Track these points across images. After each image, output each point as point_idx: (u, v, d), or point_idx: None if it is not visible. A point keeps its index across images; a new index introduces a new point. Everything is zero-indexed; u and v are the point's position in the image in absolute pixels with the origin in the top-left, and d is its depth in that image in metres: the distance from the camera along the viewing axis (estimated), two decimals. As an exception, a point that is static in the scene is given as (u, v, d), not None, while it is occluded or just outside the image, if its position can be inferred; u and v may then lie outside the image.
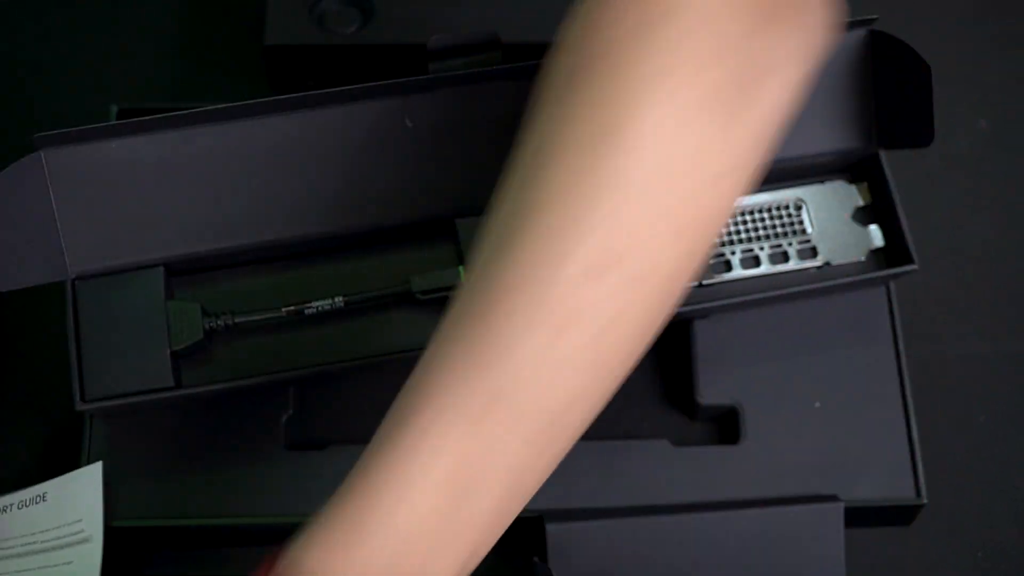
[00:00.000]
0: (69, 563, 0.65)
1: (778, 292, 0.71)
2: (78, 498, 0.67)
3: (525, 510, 0.68)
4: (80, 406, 0.66)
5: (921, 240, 0.76)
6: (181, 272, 0.69)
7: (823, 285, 0.71)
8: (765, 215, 0.73)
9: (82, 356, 0.67)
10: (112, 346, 0.67)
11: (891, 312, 0.74)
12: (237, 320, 0.68)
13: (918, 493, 0.70)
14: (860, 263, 0.72)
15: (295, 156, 0.68)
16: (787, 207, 0.73)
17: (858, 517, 0.70)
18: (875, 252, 0.73)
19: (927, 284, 0.77)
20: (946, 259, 0.75)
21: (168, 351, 0.66)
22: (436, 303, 0.67)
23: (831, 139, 0.74)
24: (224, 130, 0.67)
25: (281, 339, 0.69)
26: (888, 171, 0.73)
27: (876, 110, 0.73)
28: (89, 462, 0.69)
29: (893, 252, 0.72)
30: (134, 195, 0.68)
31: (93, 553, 0.65)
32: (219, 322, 0.68)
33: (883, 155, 0.73)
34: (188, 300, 0.68)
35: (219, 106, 0.66)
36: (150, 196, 0.68)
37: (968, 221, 0.82)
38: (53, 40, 0.88)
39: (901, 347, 0.73)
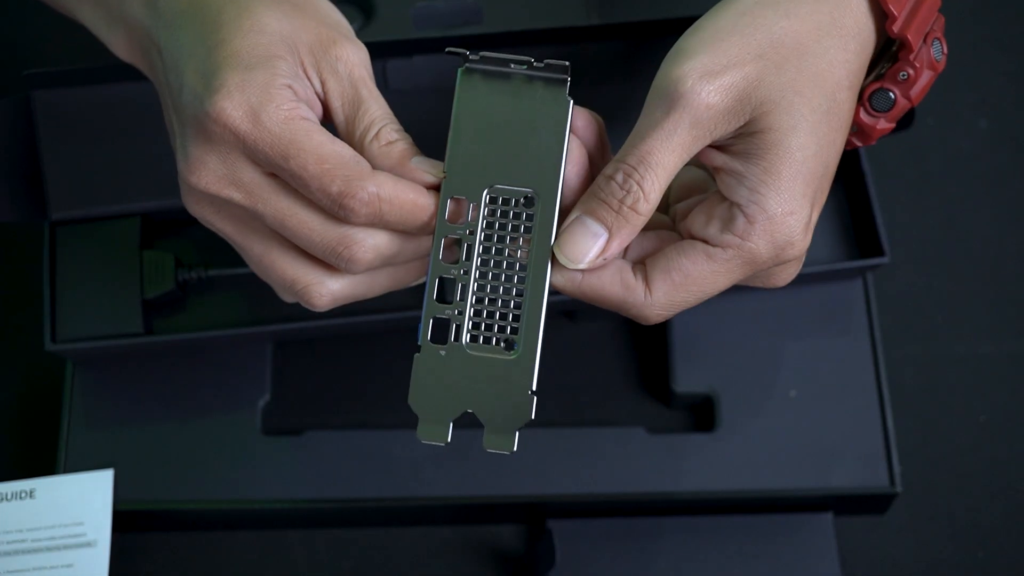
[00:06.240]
0: (70, 566, 0.66)
1: None
2: (80, 501, 0.67)
3: (523, 496, 0.69)
4: (50, 346, 0.68)
5: (921, 240, 0.75)
6: (160, 224, 0.71)
7: None
8: None
9: (56, 299, 0.68)
10: (86, 291, 0.68)
11: (867, 303, 0.74)
12: (211, 273, 0.69)
13: (892, 482, 0.70)
14: (836, 254, 0.71)
15: None
16: None
17: (833, 505, 0.70)
18: (852, 245, 0.73)
19: (927, 284, 0.77)
20: (946, 259, 0.74)
21: (140, 298, 0.68)
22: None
23: None
24: None
25: (254, 296, 0.71)
26: (866, 166, 0.73)
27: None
28: (67, 449, 0.69)
29: (867, 245, 0.72)
30: (118, 145, 0.70)
31: (99, 557, 0.66)
32: (192, 274, 0.69)
33: (861, 150, 0.73)
34: (163, 251, 0.69)
35: None
36: (133, 147, 0.69)
37: (968, 221, 0.81)
38: None
39: (877, 337, 0.73)
